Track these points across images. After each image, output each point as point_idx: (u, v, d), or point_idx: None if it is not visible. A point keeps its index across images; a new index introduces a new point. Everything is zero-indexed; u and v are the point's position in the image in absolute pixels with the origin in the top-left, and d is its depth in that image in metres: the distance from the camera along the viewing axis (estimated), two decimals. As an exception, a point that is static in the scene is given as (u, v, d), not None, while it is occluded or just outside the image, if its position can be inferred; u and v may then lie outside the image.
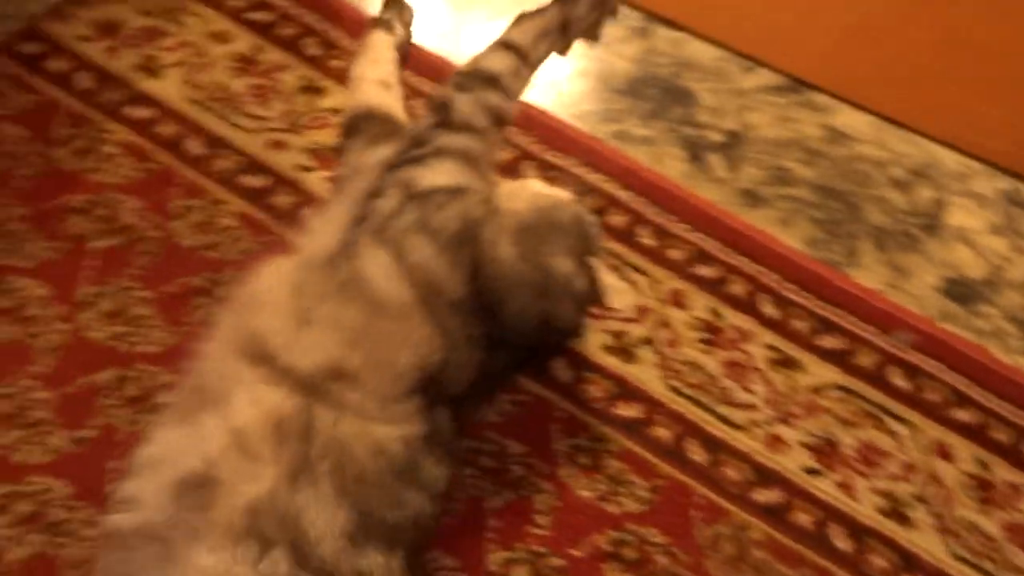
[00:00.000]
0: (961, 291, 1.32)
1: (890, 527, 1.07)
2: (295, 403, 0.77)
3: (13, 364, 0.98)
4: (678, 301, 1.20)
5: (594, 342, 1.14)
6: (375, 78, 1.18)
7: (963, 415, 1.17)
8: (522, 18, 1.09)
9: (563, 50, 1.12)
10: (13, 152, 1.12)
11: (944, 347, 1.22)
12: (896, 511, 1.08)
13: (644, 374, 1.13)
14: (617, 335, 1.15)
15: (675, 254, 1.24)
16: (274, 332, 0.82)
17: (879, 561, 1.04)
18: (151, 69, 1.24)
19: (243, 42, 1.29)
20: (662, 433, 1.08)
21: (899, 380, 1.18)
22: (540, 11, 1.09)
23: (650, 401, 1.11)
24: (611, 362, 1.13)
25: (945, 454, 1.14)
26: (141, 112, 1.19)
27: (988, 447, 1.15)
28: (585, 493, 1.03)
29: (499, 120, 1.04)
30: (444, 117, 1.00)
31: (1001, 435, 1.15)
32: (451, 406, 0.89)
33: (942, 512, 1.09)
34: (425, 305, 0.88)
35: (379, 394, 0.81)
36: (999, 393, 1.18)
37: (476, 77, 1.03)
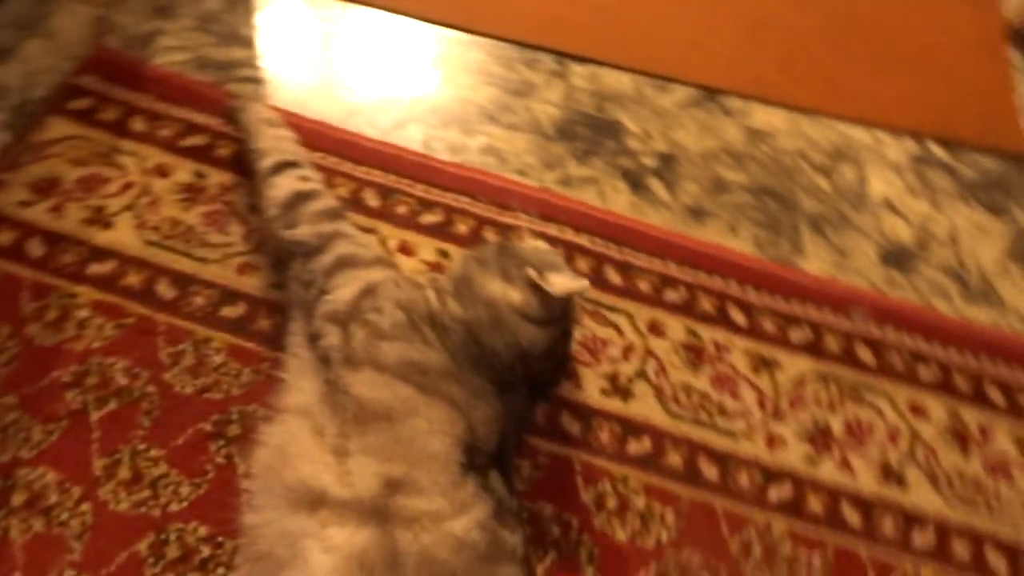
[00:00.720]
0: (898, 257, 1.44)
1: (888, 490, 1.17)
2: (369, 533, 0.81)
3: (48, 558, 0.98)
4: (657, 330, 1.27)
5: (592, 389, 1.20)
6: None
7: (926, 373, 1.28)
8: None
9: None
10: (-13, 342, 1.11)
11: (896, 315, 1.33)
12: (891, 474, 1.19)
13: (645, 408, 1.20)
14: (611, 377, 1.21)
15: (643, 286, 1.31)
16: (319, 473, 0.85)
17: (887, 525, 1.15)
18: (101, 220, 1.23)
19: (184, 171, 1.30)
20: (674, 459, 1.16)
21: (867, 356, 1.29)
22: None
23: (656, 432, 1.18)
24: (612, 404, 1.19)
25: (918, 411, 1.25)
26: (102, 267, 1.19)
27: (955, 395, 1.27)
28: (620, 535, 1.09)
29: (335, 214, 1.13)
30: (301, 251, 1.07)
31: (962, 382, 1.28)
32: (496, 467, 0.94)
33: (930, 462, 1.20)
34: (424, 390, 0.93)
35: (440, 488, 0.85)
36: (956, 344, 1.31)
37: (287, 207, 1.11)
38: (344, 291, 1.02)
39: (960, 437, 1.24)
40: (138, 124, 1.34)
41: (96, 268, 1.19)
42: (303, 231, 1.08)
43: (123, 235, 1.23)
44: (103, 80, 1.37)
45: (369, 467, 0.86)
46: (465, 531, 0.83)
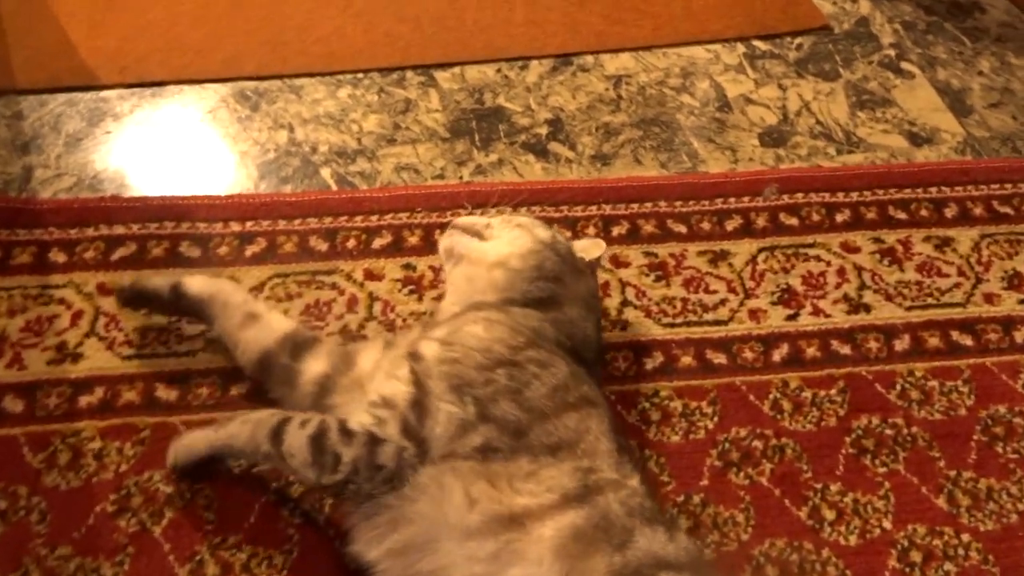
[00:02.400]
0: (774, 137, 1.63)
1: (860, 318, 1.35)
2: (575, 511, 0.85)
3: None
4: (621, 262, 1.38)
5: (594, 329, 1.29)
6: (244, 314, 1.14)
7: (840, 217, 1.48)
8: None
9: None
10: (12, 508, 1.04)
11: (797, 181, 1.52)
12: (856, 305, 1.36)
13: (643, 329, 1.30)
14: (604, 315, 1.31)
15: (590, 231, 1.42)
16: (507, 499, 0.87)
17: (871, 344, 1.32)
18: (67, 356, 1.18)
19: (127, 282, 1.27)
20: (686, 361, 1.27)
21: (792, 220, 1.47)
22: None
23: (662, 344, 1.29)
24: (613, 335, 1.29)
25: (850, 249, 1.44)
26: (92, 397, 1.14)
27: (869, 226, 1.47)
28: (674, 438, 1.19)
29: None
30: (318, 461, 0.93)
31: (871, 214, 1.48)
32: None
33: (878, 284, 1.39)
34: (576, 406, 0.97)
35: (615, 471, 0.93)
36: (850, 188, 1.52)
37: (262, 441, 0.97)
38: (446, 410, 0.93)
39: (890, 255, 1.44)
40: (58, 256, 1.29)
41: (87, 399, 1.14)
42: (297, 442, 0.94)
43: (98, 360, 1.18)
44: (1, 227, 1.31)
45: (565, 471, 0.90)
46: (639, 492, 0.91)
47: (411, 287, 1.32)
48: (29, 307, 1.23)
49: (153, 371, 1.18)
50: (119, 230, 1.33)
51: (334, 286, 1.31)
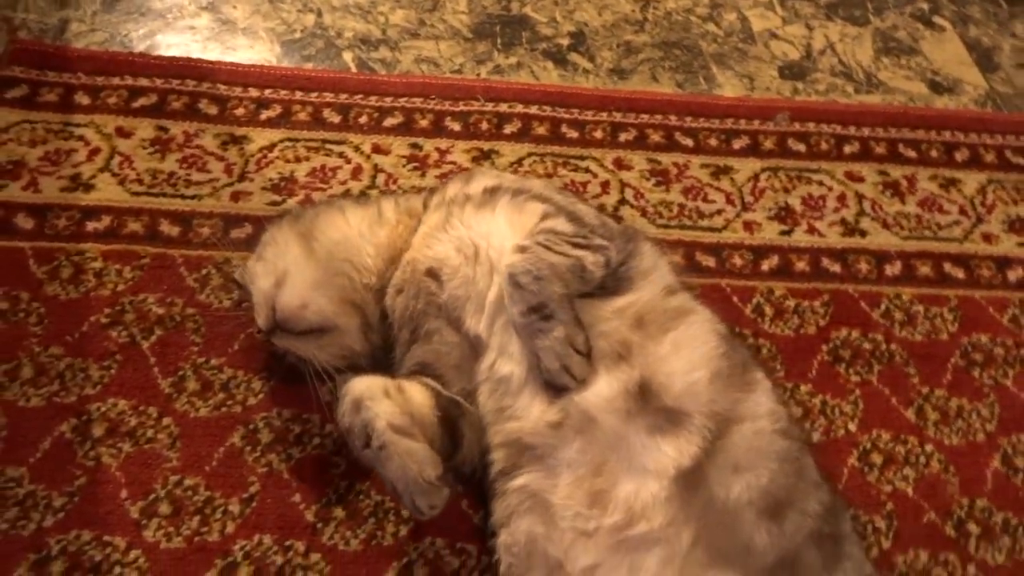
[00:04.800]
0: (794, 71, 1.64)
1: (853, 240, 1.36)
2: None
3: (149, 470, 0.99)
4: (623, 165, 1.41)
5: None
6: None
7: (850, 148, 1.48)
8: None
9: None
10: (12, 310, 1.10)
11: (810, 112, 1.53)
12: (852, 229, 1.37)
13: (637, 224, 1.33)
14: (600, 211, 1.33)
15: (598, 134, 1.44)
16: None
17: (862, 265, 1.33)
18: (80, 185, 1.23)
19: (145, 129, 1.32)
20: (675, 259, 1.29)
21: (799, 146, 1.48)
22: None
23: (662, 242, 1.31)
24: (609, 229, 1.31)
25: (854, 178, 1.45)
26: (99, 224, 1.20)
27: (878, 159, 1.47)
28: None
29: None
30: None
31: (880, 149, 1.49)
32: None
33: (877, 212, 1.39)
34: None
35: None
36: (865, 124, 1.52)
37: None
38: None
39: (893, 188, 1.44)
40: (83, 99, 1.34)
41: (94, 225, 1.20)
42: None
43: (108, 193, 1.24)
44: (31, 68, 1.36)
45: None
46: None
47: (415, 164, 1.35)
48: (50, 140, 1.28)
49: (159, 208, 1.23)
50: (143, 82, 1.38)
51: (342, 155, 1.35)
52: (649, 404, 0.86)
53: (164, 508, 0.97)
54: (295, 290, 0.99)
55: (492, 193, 1.03)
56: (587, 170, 1.39)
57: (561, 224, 0.98)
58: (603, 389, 0.88)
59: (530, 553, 0.88)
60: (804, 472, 0.88)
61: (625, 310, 0.93)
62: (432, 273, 1.00)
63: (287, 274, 0.99)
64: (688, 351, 0.90)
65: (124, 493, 0.98)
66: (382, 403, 0.87)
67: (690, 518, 0.82)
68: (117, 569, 0.93)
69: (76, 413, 1.02)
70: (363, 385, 0.89)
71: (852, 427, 1.15)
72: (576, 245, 0.95)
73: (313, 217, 1.07)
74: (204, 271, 1.17)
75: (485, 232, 0.99)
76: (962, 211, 1.43)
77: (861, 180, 1.45)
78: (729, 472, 0.84)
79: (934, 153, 1.50)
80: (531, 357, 0.90)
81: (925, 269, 1.34)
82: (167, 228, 1.21)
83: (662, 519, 0.82)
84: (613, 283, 0.96)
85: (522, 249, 0.92)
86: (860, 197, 1.42)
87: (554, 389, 0.89)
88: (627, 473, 0.85)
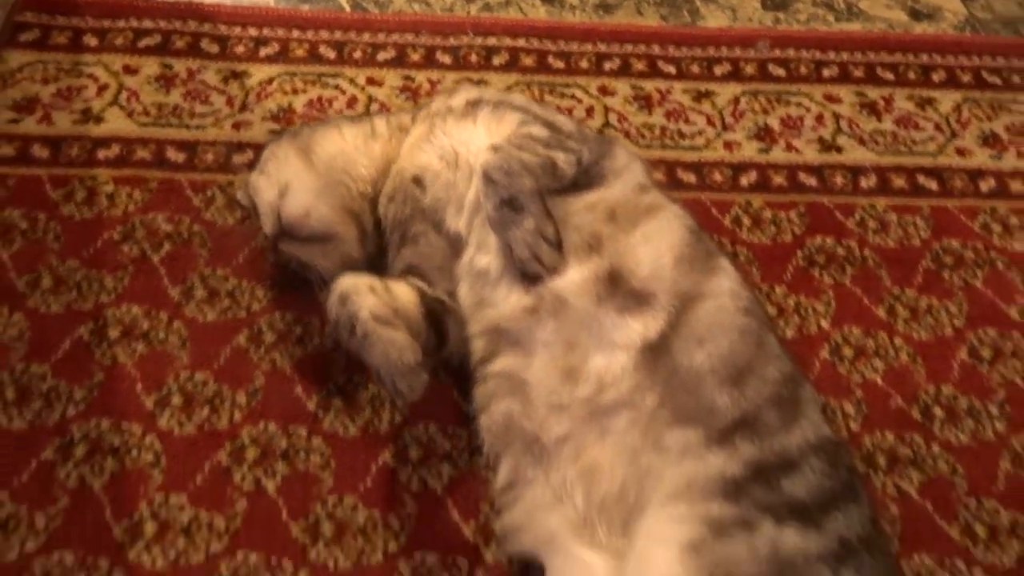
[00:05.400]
0: (776, 2, 1.68)
1: (830, 156, 1.41)
2: None
3: (161, 370, 1.07)
4: (608, 91, 1.46)
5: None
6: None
7: (828, 72, 1.53)
8: None
9: None
10: (31, 228, 1.17)
11: (790, 39, 1.58)
12: (829, 146, 1.42)
13: (631, 147, 1.38)
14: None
15: (584, 64, 1.50)
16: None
17: (838, 179, 1.38)
18: (91, 118, 1.31)
19: (150, 67, 1.39)
20: (657, 176, 1.35)
21: (779, 71, 1.53)
22: None
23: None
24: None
25: (832, 99, 1.50)
26: (109, 152, 1.27)
27: (856, 81, 1.52)
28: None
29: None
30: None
31: (858, 72, 1.53)
32: None
33: (854, 130, 1.44)
34: None
35: None
36: (835, 48, 1.57)
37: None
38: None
39: (870, 108, 1.49)
40: (91, 40, 1.42)
41: (105, 153, 1.27)
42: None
43: (118, 124, 1.31)
44: (43, 12, 1.44)
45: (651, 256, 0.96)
46: None
47: (408, 93, 1.42)
48: (61, 78, 1.36)
49: (166, 137, 1.30)
50: (147, 24, 1.45)
51: (337, 87, 1.41)
52: (618, 289, 0.93)
53: (176, 400, 1.05)
54: (298, 198, 1.06)
55: (474, 105, 1.09)
56: (572, 96, 1.45)
57: (536, 129, 1.04)
58: (575, 276, 0.94)
59: (508, 430, 0.94)
60: (765, 345, 0.94)
61: (597, 205, 0.99)
62: (417, 180, 1.06)
63: (289, 185, 1.07)
64: (656, 241, 0.96)
65: (139, 387, 1.06)
66: (366, 297, 0.94)
67: (655, 384, 0.89)
68: (134, 452, 1.01)
69: (93, 318, 1.10)
70: (349, 281, 0.95)
71: (825, 324, 1.21)
72: (548, 146, 1.01)
73: (311, 133, 1.14)
74: (209, 193, 1.24)
75: (465, 140, 1.05)
76: (937, 128, 1.47)
77: (839, 101, 1.50)
78: (693, 343, 0.90)
79: (911, 75, 1.55)
80: (506, 249, 0.97)
81: (899, 181, 1.39)
82: (173, 155, 1.28)
83: (629, 385, 0.89)
84: (586, 180, 1.02)
85: (496, 149, 0.98)
86: (837, 117, 1.47)
87: (528, 279, 0.96)
88: (597, 348, 0.92)
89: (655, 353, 0.89)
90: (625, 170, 1.05)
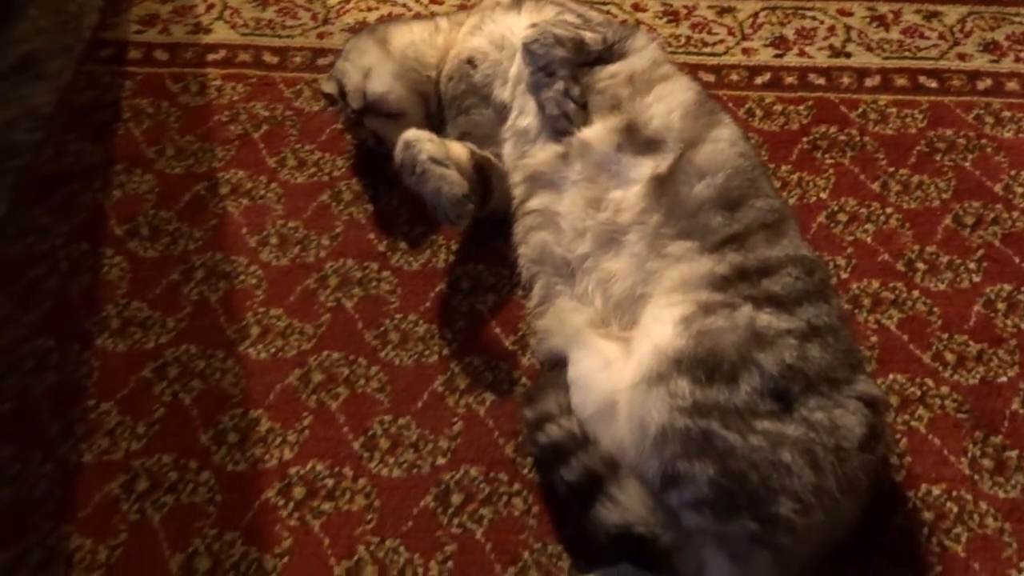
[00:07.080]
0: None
1: (839, 60, 1.58)
2: None
3: (261, 218, 1.32)
4: (640, 8, 1.66)
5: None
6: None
7: (844, -9, 1.70)
8: None
9: None
10: (156, 111, 1.44)
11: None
12: (838, 52, 1.59)
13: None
14: (618, 39, 1.59)
15: None
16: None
17: (845, 79, 1.55)
18: (201, 30, 1.57)
19: (248, -11, 1.65)
20: (681, 78, 1.54)
21: (796, -11, 1.70)
22: None
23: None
24: (624, 55, 1.57)
25: (844, 13, 1.66)
26: (217, 55, 1.53)
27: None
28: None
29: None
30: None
31: (871, -12, 1.69)
32: None
33: (863, 39, 1.61)
34: None
35: None
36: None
37: None
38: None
39: (879, 20, 1.65)
40: (200, -31, 1.68)
41: (213, 56, 1.54)
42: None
43: (223, 34, 1.57)
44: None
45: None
46: None
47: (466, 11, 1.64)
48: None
49: (262, 44, 1.56)
50: (245, -44, 1.71)
51: (404, 4, 1.65)
52: (634, 137, 1.13)
53: (274, 240, 1.30)
54: (380, 79, 1.29)
55: (519, 0, 1.31)
56: (608, 13, 1.65)
57: (570, 17, 1.26)
58: (599, 128, 1.15)
59: (542, 256, 1.16)
60: (757, 184, 1.13)
61: (618, 74, 1.20)
62: (470, 61, 1.29)
63: (372, 69, 1.30)
64: (668, 100, 1.16)
65: (244, 230, 1.31)
66: (425, 144, 1.16)
67: (661, 207, 1.09)
68: (241, 277, 1.26)
69: (207, 178, 1.36)
70: (412, 133, 1.18)
71: (823, 195, 1.39)
72: (579, 27, 1.22)
73: (386, 28, 1.37)
74: (298, 87, 1.49)
75: (510, 25, 1.27)
76: (941, 36, 1.62)
77: (851, 15, 1.66)
78: (694, 176, 1.10)
79: (920, -9, 1.70)
80: (541, 109, 1.18)
81: (902, 81, 1.55)
82: (268, 58, 1.54)
83: (640, 209, 1.09)
84: (609, 56, 1.23)
85: (534, 26, 1.20)
86: (848, 28, 1.64)
87: (559, 134, 1.17)
88: (616, 183, 1.12)
89: (662, 184, 1.09)
90: (644, 48, 1.25)
